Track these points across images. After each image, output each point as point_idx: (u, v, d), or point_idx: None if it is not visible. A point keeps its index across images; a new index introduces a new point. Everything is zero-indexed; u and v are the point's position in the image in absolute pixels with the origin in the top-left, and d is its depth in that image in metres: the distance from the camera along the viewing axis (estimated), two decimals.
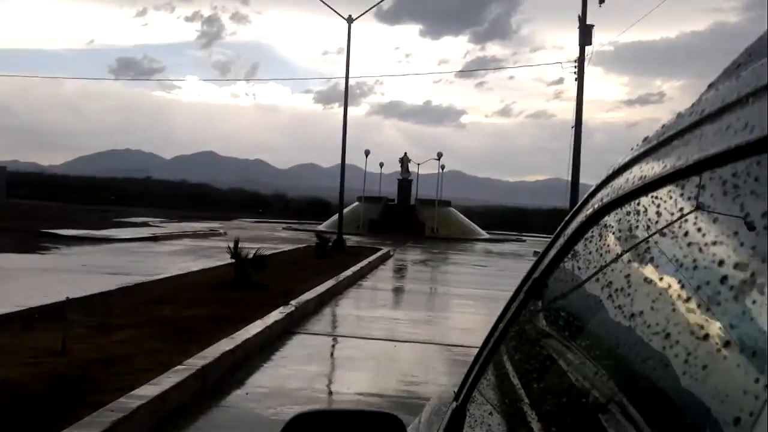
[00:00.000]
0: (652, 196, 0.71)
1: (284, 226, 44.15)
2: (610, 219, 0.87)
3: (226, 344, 6.14)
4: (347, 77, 22.66)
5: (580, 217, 0.97)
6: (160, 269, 12.97)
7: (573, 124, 21.91)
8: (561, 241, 1.04)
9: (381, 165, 47.95)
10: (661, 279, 0.65)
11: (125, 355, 5.55)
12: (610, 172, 0.89)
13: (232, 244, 10.52)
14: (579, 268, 0.96)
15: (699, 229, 0.57)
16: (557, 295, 1.07)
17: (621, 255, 0.80)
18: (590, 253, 0.92)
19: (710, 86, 0.67)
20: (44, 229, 21.11)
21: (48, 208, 38.77)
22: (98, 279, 10.81)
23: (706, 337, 0.51)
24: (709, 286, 0.53)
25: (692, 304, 0.56)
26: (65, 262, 14.37)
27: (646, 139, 0.79)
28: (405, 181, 47.05)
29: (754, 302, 0.45)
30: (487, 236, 43.99)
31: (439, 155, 42.69)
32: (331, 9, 20.94)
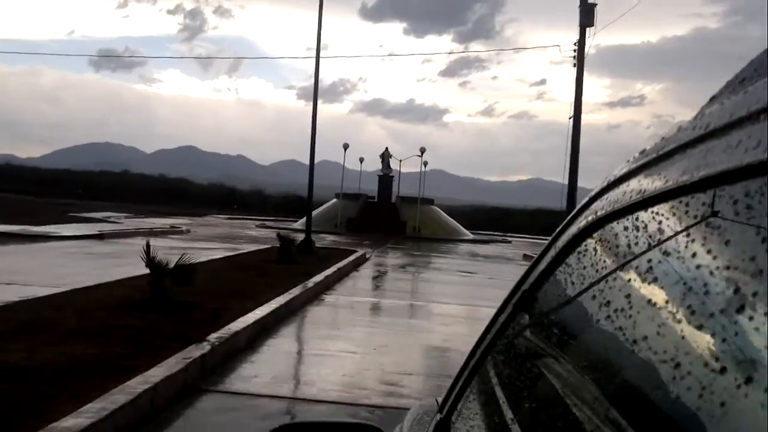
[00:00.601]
0: (652, 212, 0.69)
1: (258, 223, 41.93)
2: (605, 233, 0.84)
3: None
4: (318, 58, 20.08)
5: (573, 229, 0.95)
6: (72, 277, 10.43)
7: (570, 115, 19.68)
8: (552, 252, 1.01)
9: (361, 160, 45.48)
10: (660, 298, 0.63)
11: None
12: (605, 184, 0.86)
13: (148, 247, 7.94)
14: (571, 282, 0.93)
15: (708, 250, 0.55)
16: (547, 308, 1.04)
17: (617, 270, 0.77)
18: (584, 267, 0.89)
19: (713, 99, 0.65)
20: None
21: (5, 200, 36.42)
22: None
23: (702, 357, 0.51)
24: (714, 308, 0.51)
25: (691, 325, 0.55)
26: None
27: (643, 151, 0.77)
28: (386, 177, 44.64)
29: (756, 328, 0.45)
30: (472, 237, 41.85)
31: (422, 150, 40.33)
32: None
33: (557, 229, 1.02)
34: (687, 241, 0.59)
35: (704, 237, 0.56)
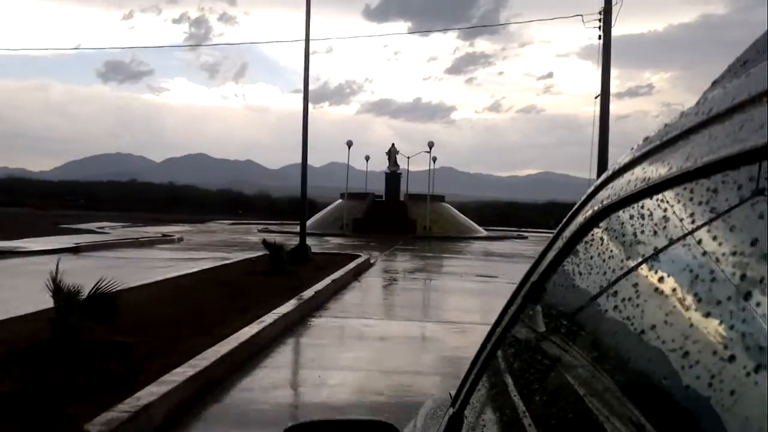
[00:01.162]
0: (657, 199, 0.69)
1: (261, 227, 39.98)
2: (611, 222, 0.84)
3: None
4: (306, 58, 17.57)
5: (579, 219, 0.95)
6: None
7: (597, 93, 17.37)
8: (559, 243, 1.01)
9: (367, 158, 43.35)
10: (667, 286, 0.62)
11: None
12: (610, 172, 0.86)
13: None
14: (579, 273, 0.93)
15: (714, 237, 0.55)
16: (556, 299, 1.04)
17: (624, 259, 0.77)
18: (591, 257, 0.89)
19: (714, 83, 0.64)
20: None
21: (2, 214, 36.85)
22: None
23: (713, 345, 0.50)
24: (722, 296, 0.51)
25: (700, 313, 0.54)
26: None
27: (647, 138, 0.76)
28: (393, 175, 42.46)
29: (765, 315, 0.45)
30: (485, 233, 39.62)
31: (431, 145, 38.09)
32: None
33: (564, 220, 1.01)
34: (693, 228, 0.59)
35: (710, 223, 0.56)
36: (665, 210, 0.66)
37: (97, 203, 65.79)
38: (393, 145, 42.87)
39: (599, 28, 16.89)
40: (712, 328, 0.51)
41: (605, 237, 0.85)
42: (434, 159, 38.90)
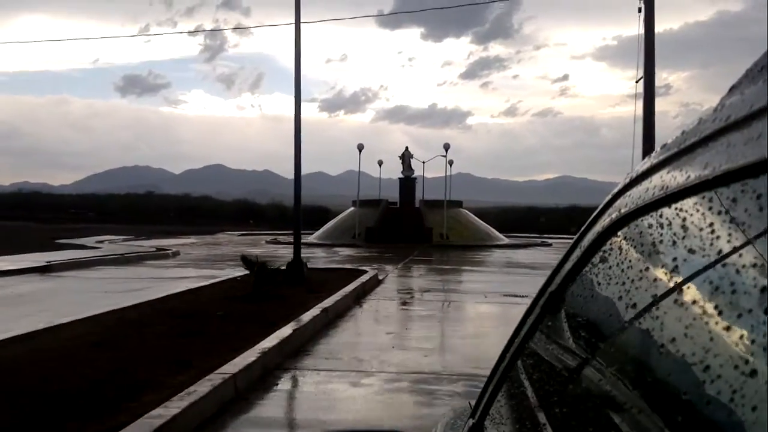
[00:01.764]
0: (676, 208, 0.68)
1: (270, 238, 38.01)
2: (630, 231, 0.83)
3: None
4: (298, 52, 15.17)
5: (597, 228, 0.93)
6: None
7: (638, 76, 14.89)
8: (577, 252, 1.00)
9: (380, 163, 40.96)
10: (687, 297, 0.62)
11: None
12: (628, 180, 0.85)
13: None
14: (598, 283, 0.92)
15: (733, 247, 0.54)
16: (575, 309, 1.02)
17: (643, 269, 0.76)
18: (609, 266, 0.88)
19: (732, 89, 0.63)
20: None
21: (3, 228, 36.73)
22: None
23: (735, 357, 0.50)
24: (743, 307, 0.50)
25: (721, 325, 0.53)
26: None
27: (664, 146, 0.75)
28: (407, 180, 40.03)
29: None
30: (507, 241, 37.04)
31: (446, 147, 35.55)
32: None
33: (582, 228, 1.01)
34: (713, 238, 0.58)
35: (730, 233, 0.55)
36: (684, 219, 0.65)
37: (108, 216, 66.09)
38: (407, 148, 40.49)
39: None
40: (734, 339, 0.51)
41: (624, 246, 0.84)
42: (451, 162, 36.40)
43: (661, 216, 0.72)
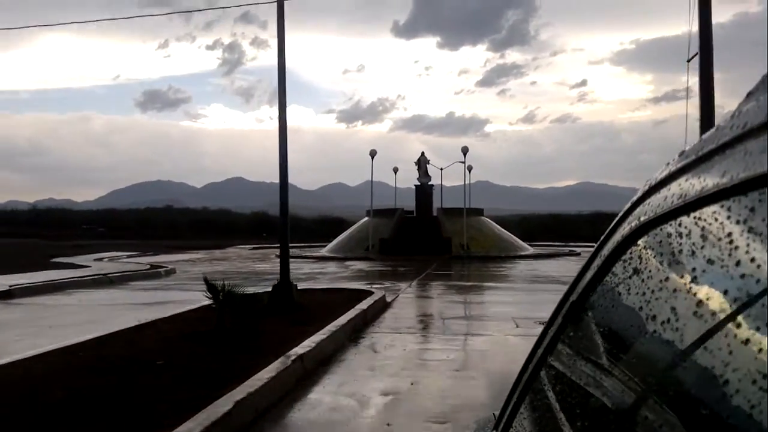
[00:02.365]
0: (695, 217, 0.67)
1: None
2: (649, 239, 0.82)
3: None
4: (282, 61, 13.07)
5: (617, 236, 0.92)
6: None
7: (689, 56, 12.47)
8: (598, 261, 0.99)
9: (395, 170, 38.63)
10: (707, 307, 0.61)
11: None
12: (647, 188, 0.85)
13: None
14: (618, 293, 0.91)
15: (752, 258, 0.54)
16: (597, 319, 1.00)
17: (663, 279, 0.75)
18: (629, 276, 0.87)
19: (749, 95, 0.63)
20: None
21: (6, 246, 36.17)
22: None
23: (756, 367, 0.50)
24: (763, 318, 0.50)
25: (741, 336, 0.53)
26: None
27: (682, 153, 0.75)
28: (424, 187, 37.64)
29: None
30: (532, 251, 34.45)
31: (464, 150, 33.07)
32: None
33: (602, 237, 1.00)
34: (731, 248, 0.58)
35: (748, 243, 0.55)
36: (703, 228, 0.65)
37: (122, 231, 65.83)
38: (423, 153, 38.15)
39: None
40: (755, 349, 0.50)
41: (644, 255, 0.84)
42: (470, 168, 33.94)
43: (680, 225, 0.71)
